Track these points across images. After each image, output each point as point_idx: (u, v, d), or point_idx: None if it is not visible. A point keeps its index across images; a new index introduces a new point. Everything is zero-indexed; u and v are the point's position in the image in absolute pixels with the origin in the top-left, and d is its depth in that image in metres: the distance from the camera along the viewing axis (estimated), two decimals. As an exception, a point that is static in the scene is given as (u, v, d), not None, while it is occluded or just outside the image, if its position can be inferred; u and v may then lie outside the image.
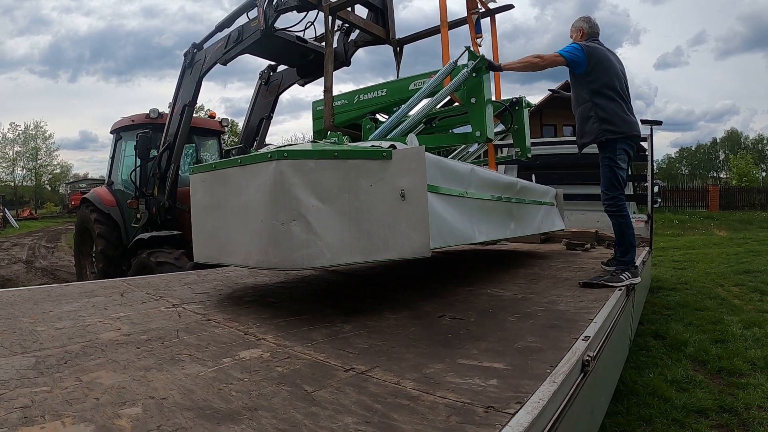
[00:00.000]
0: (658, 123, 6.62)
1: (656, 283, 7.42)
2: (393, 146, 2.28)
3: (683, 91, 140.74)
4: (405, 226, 2.17)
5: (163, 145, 5.88)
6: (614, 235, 3.51)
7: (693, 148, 69.96)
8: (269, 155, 2.22)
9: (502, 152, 6.57)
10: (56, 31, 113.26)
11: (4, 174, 39.64)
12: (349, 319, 2.26)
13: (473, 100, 3.20)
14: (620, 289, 2.95)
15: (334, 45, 5.31)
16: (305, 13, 4.33)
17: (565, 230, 5.85)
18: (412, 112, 3.34)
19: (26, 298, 2.79)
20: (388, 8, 4.78)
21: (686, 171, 66.37)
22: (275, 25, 4.59)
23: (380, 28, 4.76)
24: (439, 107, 3.61)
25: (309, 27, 4.56)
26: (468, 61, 3.17)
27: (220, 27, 4.98)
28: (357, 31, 5.13)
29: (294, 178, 2.16)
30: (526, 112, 4.21)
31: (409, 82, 3.68)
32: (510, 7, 4.25)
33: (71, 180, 42.26)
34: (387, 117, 3.68)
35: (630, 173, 7.04)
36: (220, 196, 2.58)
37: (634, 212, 6.82)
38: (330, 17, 3.83)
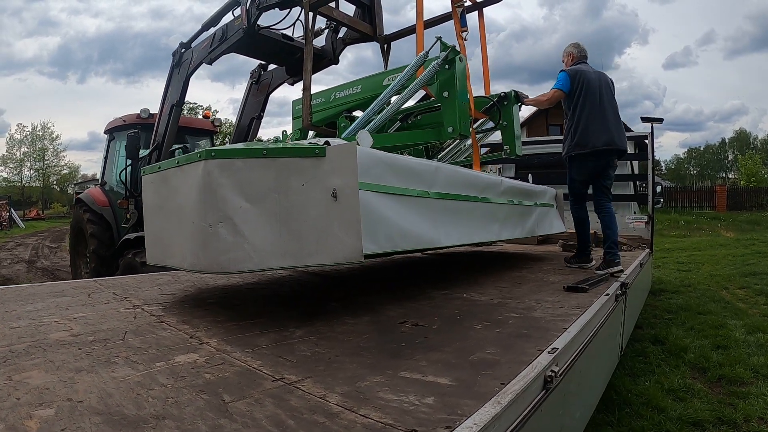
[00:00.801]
0: (659, 120, 6.51)
1: (659, 285, 7.29)
2: (327, 142, 2.20)
3: (692, 91, 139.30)
4: (337, 229, 2.09)
5: (152, 145, 5.92)
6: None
7: (702, 149, 69.89)
8: (199, 155, 2.18)
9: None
10: (65, 32, 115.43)
11: (11, 175, 40.32)
12: (304, 324, 2.21)
13: (446, 94, 3.13)
14: (606, 294, 2.84)
15: (323, 43, 5.32)
16: (289, 10, 4.31)
17: (565, 232, 5.80)
18: (384, 108, 3.29)
19: (-6, 298, 2.81)
20: (375, 4, 4.75)
21: (695, 171, 66.29)
22: (260, 23, 4.58)
23: (366, 25, 4.73)
24: (415, 102, 3.57)
25: (294, 24, 4.53)
26: (440, 52, 3.10)
27: (206, 26, 4.98)
28: (346, 29, 5.10)
29: (221, 178, 2.11)
30: (515, 108, 4.13)
31: (383, 78, 3.63)
32: (498, -1, 4.19)
33: (79, 180, 42.89)
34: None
35: (633, 172, 6.93)
36: (163, 197, 2.56)
37: (635, 213, 6.70)
38: (311, 14, 3.80)
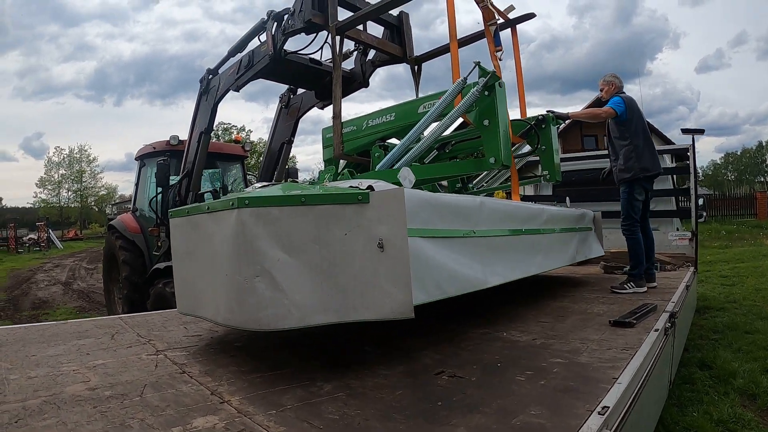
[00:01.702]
0: (700, 132, 6.22)
1: (703, 302, 6.90)
2: (371, 187, 2.07)
3: (726, 94, 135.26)
4: (384, 281, 1.94)
5: (182, 172, 5.96)
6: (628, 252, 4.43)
7: (738, 153, 67.76)
8: (231, 203, 2.05)
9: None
10: (101, 56, 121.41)
11: (50, 196, 42.05)
12: (333, 376, 2.07)
13: (486, 122, 2.97)
14: (656, 330, 2.65)
15: (352, 65, 5.26)
16: (315, 34, 4.26)
17: (606, 251, 5.52)
18: (421, 138, 3.17)
19: (18, 338, 2.80)
20: (404, 25, 4.66)
21: (732, 177, 64.24)
22: (286, 48, 4.55)
23: (396, 47, 4.64)
24: (452, 131, 3.43)
25: (322, 48, 4.48)
26: (479, 78, 2.96)
27: (233, 52, 5.00)
28: (375, 51, 5.04)
29: (257, 228, 1.99)
30: (554, 130, 3.95)
31: (419, 105, 3.50)
32: (531, 16, 4.04)
33: (117, 201, 44.45)
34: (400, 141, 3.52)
35: (674, 187, 6.66)
36: (193, 243, 2.45)
37: (678, 229, 6.36)
38: (338, 38, 3.74)
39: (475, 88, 2.89)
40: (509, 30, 4.07)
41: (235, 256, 2.03)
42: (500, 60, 3.63)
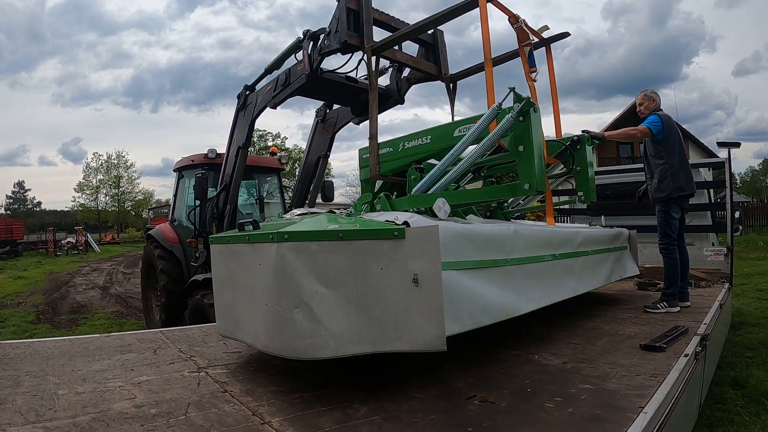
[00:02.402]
0: (736, 145, 6.07)
1: (738, 317, 6.70)
2: (406, 223, 2.14)
3: (764, 97, 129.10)
4: (418, 315, 2.01)
5: (220, 185, 6.17)
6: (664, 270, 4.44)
7: None
8: (270, 236, 2.17)
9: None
10: (138, 64, 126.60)
11: (88, 201, 43.73)
12: (370, 399, 2.15)
13: (521, 148, 2.98)
14: (686, 355, 2.67)
15: (387, 82, 5.36)
16: (351, 54, 4.37)
17: (640, 266, 5.41)
18: (457, 162, 3.21)
19: (64, 351, 2.97)
20: (438, 43, 4.73)
21: None
22: (322, 67, 4.68)
23: (431, 65, 4.71)
24: (488, 156, 3.45)
25: (357, 68, 4.59)
26: (514, 103, 2.99)
27: (270, 69, 5.16)
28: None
29: (296, 262, 2.09)
30: (589, 151, 3.93)
31: (454, 128, 3.53)
32: (566, 35, 4.03)
33: (153, 205, 45.91)
34: (438, 162, 3.56)
35: (710, 201, 6.50)
36: (233, 270, 2.58)
37: (713, 244, 6.20)
38: (374, 58, 3.83)
39: (510, 114, 2.91)
40: (544, 49, 4.07)
41: (275, 288, 2.14)
42: (535, 81, 3.65)
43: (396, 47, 4.36)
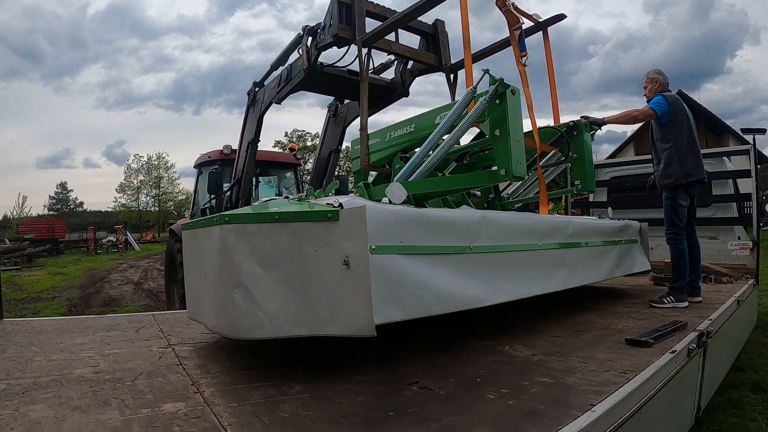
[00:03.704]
0: (762, 131, 5.81)
1: (767, 318, 6.30)
2: (341, 205, 2.19)
3: None
4: (350, 299, 2.05)
5: (233, 180, 6.45)
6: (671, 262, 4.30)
7: None
8: (215, 219, 2.31)
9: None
10: (179, 68, 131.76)
11: (129, 201, 46.12)
12: (310, 378, 2.22)
13: (497, 132, 2.98)
14: (672, 352, 2.50)
15: (392, 75, 5.45)
16: (347, 47, 4.49)
17: (659, 261, 5.30)
18: (435, 149, 3.25)
19: (57, 328, 3.24)
20: (439, 33, 4.79)
21: None
22: (323, 61, 4.83)
23: (431, 55, 4.77)
24: (471, 140, 3.48)
25: (355, 60, 4.70)
26: (490, 86, 3.00)
27: (275, 65, 5.37)
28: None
29: (236, 243, 2.21)
30: (587, 137, 3.89)
31: (435, 115, 3.58)
32: (562, 17, 4.00)
33: (194, 205, 47.59)
34: None
35: (736, 191, 6.20)
36: (195, 254, 2.74)
37: (739, 237, 5.93)
38: (365, 50, 3.93)
39: (484, 96, 2.94)
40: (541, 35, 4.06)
41: (219, 269, 2.29)
42: (525, 66, 3.65)
43: (393, 39, 4.45)
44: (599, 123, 4.07)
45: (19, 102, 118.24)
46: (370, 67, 5.31)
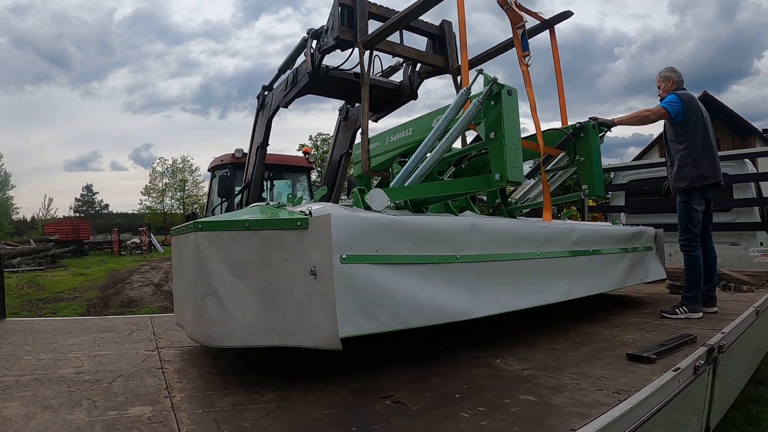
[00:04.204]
0: None
1: None
2: (311, 213, 2.17)
3: None
4: (317, 310, 2.03)
5: (244, 183, 6.54)
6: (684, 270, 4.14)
7: None
8: (190, 226, 2.34)
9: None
10: (205, 72, 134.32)
11: (154, 203, 47.22)
12: (285, 387, 2.21)
13: (492, 135, 2.91)
14: (675, 369, 2.36)
15: (401, 78, 5.44)
16: (351, 50, 4.49)
17: (676, 268, 5.07)
18: (430, 153, 3.22)
19: (54, 329, 3.33)
20: (446, 34, 4.75)
21: None
22: (329, 64, 4.84)
23: (437, 57, 4.73)
24: (470, 143, 3.43)
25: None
26: (484, 87, 2.94)
27: (282, 69, 5.41)
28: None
29: (209, 250, 2.23)
30: (596, 139, 3.79)
31: (432, 119, 3.54)
32: (569, 14, 3.91)
33: (226, 207, 48.49)
34: None
35: (759, 195, 5.96)
36: (178, 260, 2.80)
37: (761, 244, 5.71)
38: (367, 53, 3.93)
39: (477, 98, 2.88)
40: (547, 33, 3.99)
41: (194, 275, 2.32)
42: (528, 66, 3.58)
43: (397, 40, 4.43)
44: (608, 124, 3.94)
45: (48, 106, 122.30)
46: (379, 69, 5.33)
